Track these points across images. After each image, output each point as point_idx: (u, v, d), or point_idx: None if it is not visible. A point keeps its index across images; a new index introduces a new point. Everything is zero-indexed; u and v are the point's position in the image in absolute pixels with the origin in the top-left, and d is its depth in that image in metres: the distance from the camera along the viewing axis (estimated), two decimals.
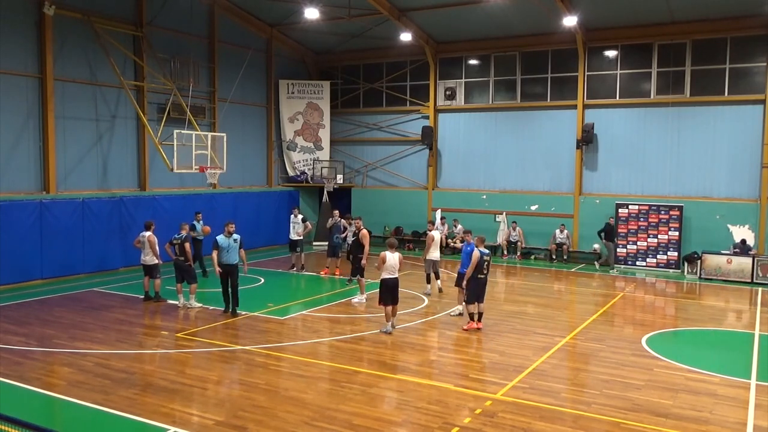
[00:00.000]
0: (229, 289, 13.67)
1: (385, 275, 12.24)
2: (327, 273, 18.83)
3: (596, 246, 21.91)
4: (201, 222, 17.97)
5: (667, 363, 10.76)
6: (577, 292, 17.71)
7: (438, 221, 24.17)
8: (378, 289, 12.44)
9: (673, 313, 15.31)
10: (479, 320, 12.70)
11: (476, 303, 12.71)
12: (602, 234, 21.16)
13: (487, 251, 12.81)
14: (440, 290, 16.21)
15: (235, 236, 13.69)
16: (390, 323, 12.35)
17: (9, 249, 16.20)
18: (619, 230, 20.97)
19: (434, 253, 15.86)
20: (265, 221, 24.37)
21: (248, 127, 24.69)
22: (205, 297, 15.25)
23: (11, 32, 16.84)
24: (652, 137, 21.31)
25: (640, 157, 21.55)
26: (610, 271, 20.52)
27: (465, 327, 12.66)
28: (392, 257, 12.29)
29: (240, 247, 13.73)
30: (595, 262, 21.43)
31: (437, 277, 16.27)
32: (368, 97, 26.69)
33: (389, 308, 12.30)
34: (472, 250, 14.41)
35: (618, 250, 20.98)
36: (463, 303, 13.14)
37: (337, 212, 19.20)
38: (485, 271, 12.71)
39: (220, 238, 13.62)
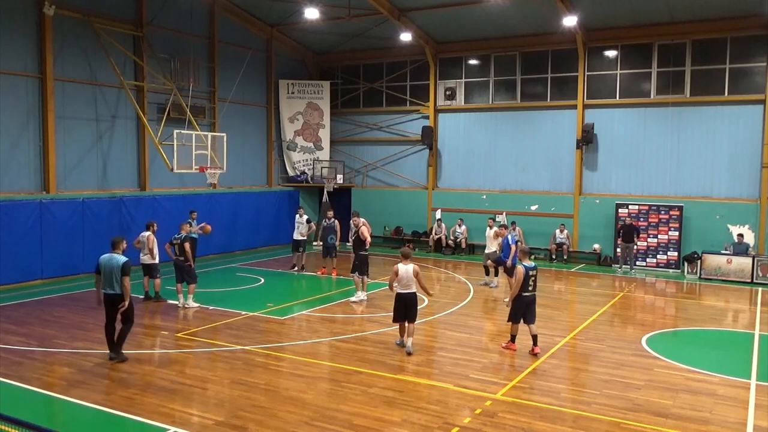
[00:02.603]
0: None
1: (400, 290, 11.05)
2: (324, 273, 18.84)
3: (596, 246, 21.90)
4: (195, 221, 17.97)
5: (667, 363, 10.75)
6: (577, 292, 17.71)
7: (435, 222, 24.26)
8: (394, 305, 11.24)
9: (673, 313, 15.31)
10: (535, 344, 11.11)
11: (527, 325, 11.21)
12: (620, 236, 20.42)
13: (533, 264, 11.26)
14: (485, 283, 17.62)
15: (119, 257, 10.34)
16: (408, 339, 11.08)
17: (9, 249, 16.20)
18: (639, 225, 20.48)
19: (490, 247, 17.23)
20: (265, 221, 24.38)
21: (248, 127, 24.70)
22: (204, 297, 15.25)
23: (11, 32, 16.84)
24: (652, 137, 21.32)
25: (640, 157, 21.55)
26: (618, 270, 20.39)
27: (503, 345, 11.40)
28: (406, 270, 10.98)
29: (123, 274, 10.11)
30: (617, 267, 20.71)
31: (489, 272, 17.62)
32: (368, 97, 26.69)
33: (403, 326, 11.17)
34: (511, 241, 15.77)
35: (617, 250, 20.95)
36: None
37: (330, 213, 19.13)
38: (531, 288, 11.13)
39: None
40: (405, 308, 11.00)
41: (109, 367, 10.09)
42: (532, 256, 22.63)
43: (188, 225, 15.12)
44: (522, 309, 11.13)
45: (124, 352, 10.51)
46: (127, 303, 10.18)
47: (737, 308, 15.99)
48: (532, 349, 11.07)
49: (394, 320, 11.22)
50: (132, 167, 20.20)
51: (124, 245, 10.62)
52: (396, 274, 11.02)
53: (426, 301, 15.33)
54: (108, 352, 10.45)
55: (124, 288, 10.11)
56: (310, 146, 26.69)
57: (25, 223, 16.56)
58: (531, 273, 11.08)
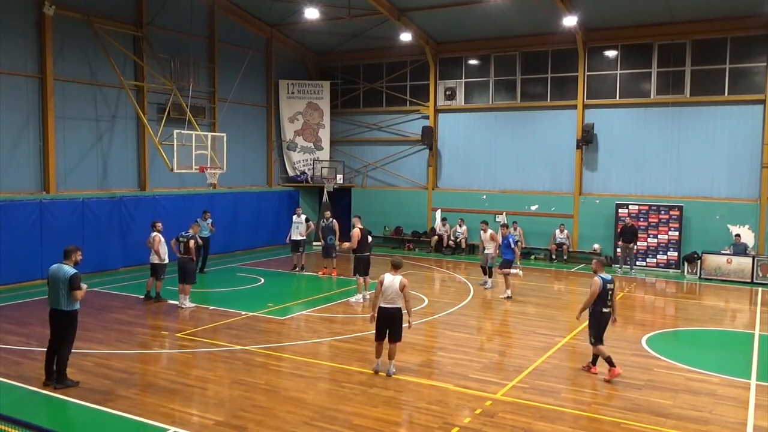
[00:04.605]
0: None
1: (383, 303, 9.81)
2: (325, 273, 18.85)
3: (596, 246, 21.89)
4: (209, 221, 18.83)
5: (667, 363, 10.75)
6: (577, 292, 17.70)
7: (438, 221, 24.26)
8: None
9: (673, 313, 15.31)
10: (594, 363, 10.20)
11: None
12: (621, 237, 20.38)
13: (610, 278, 10.03)
14: (484, 283, 17.46)
15: (67, 268, 9.20)
16: (390, 363, 9.90)
17: (9, 249, 16.19)
18: (639, 225, 20.49)
19: (487, 249, 17.17)
20: (265, 221, 24.37)
21: (248, 127, 24.69)
22: (205, 297, 15.26)
23: (11, 32, 16.83)
24: (652, 137, 21.31)
25: (640, 157, 21.54)
26: (618, 270, 20.33)
27: (607, 377, 9.77)
28: (391, 281, 9.73)
29: (71, 289, 9.04)
30: (617, 267, 20.63)
31: (489, 274, 17.44)
32: (368, 97, 26.68)
33: (382, 347, 9.92)
34: (512, 242, 15.76)
35: (617, 250, 20.92)
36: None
37: (328, 213, 19.21)
38: (610, 303, 9.93)
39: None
40: (388, 325, 9.80)
41: (109, 367, 10.09)
42: (533, 257, 22.72)
43: (197, 225, 15.17)
44: (604, 327, 9.99)
45: (131, 351, 10.49)
46: (80, 294, 9.10)
47: (737, 308, 15.98)
48: (589, 367, 10.17)
49: (376, 338, 9.96)
50: (132, 167, 20.19)
51: (78, 257, 9.41)
52: (380, 284, 9.79)
53: (426, 301, 15.34)
54: (47, 381, 9.20)
55: (74, 300, 9.05)
56: (310, 146, 26.69)
57: (25, 223, 16.55)
58: (609, 286, 9.90)
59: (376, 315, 9.94)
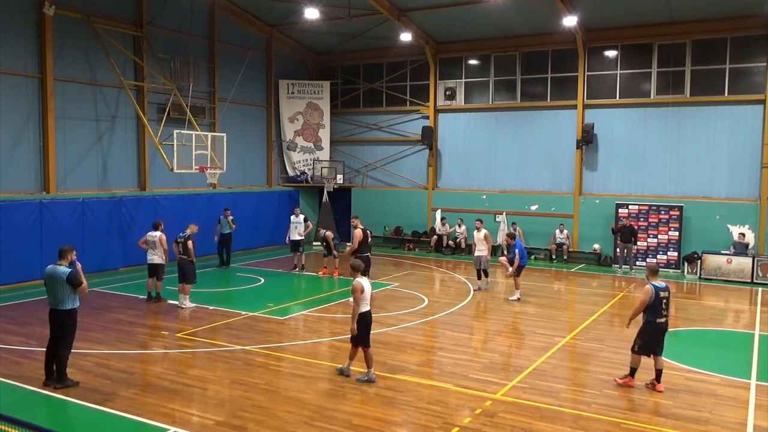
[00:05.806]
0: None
1: (364, 308, 9.53)
2: (325, 273, 18.87)
3: (596, 246, 21.89)
4: (230, 218, 19.76)
5: (667, 363, 10.70)
6: (577, 292, 17.71)
7: (438, 221, 24.27)
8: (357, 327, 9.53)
9: (673, 313, 15.27)
10: (658, 380, 9.42)
11: (653, 356, 9.46)
12: (618, 236, 20.41)
13: (664, 285, 9.44)
14: (479, 288, 16.96)
15: (62, 269, 9.28)
16: (371, 370, 9.63)
17: (9, 249, 16.19)
18: (638, 225, 20.45)
19: (480, 250, 16.81)
20: (265, 221, 24.37)
21: (248, 127, 24.69)
22: (205, 297, 15.25)
23: (11, 32, 16.83)
24: (652, 137, 21.31)
25: (640, 157, 21.54)
26: (618, 270, 20.32)
27: (619, 380, 9.63)
28: (368, 285, 9.67)
29: (73, 287, 9.18)
30: (617, 267, 20.62)
31: (485, 275, 17.02)
32: (368, 97, 26.68)
33: (370, 351, 9.64)
34: (517, 251, 15.34)
35: (617, 250, 20.92)
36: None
37: (322, 232, 19.37)
38: (665, 313, 9.33)
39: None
40: (369, 329, 9.61)
41: (109, 367, 10.09)
42: (533, 257, 22.67)
43: (194, 225, 15.18)
44: (654, 339, 9.35)
45: (131, 351, 10.50)
46: (83, 285, 9.25)
47: (737, 308, 15.98)
48: (654, 384, 9.41)
49: (365, 346, 9.55)
50: (132, 167, 20.19)
51: (73, 256, 9.47)
52: (361, 291, 9.45)
53: (426, 301, 15.35)
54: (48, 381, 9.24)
55: (80, 295, 9.28)
56: (310, 146, 26.69)
57: (25, 223, 16.54)
58: (663, 295, 9.28)
59: (356, 324, 9.46)
